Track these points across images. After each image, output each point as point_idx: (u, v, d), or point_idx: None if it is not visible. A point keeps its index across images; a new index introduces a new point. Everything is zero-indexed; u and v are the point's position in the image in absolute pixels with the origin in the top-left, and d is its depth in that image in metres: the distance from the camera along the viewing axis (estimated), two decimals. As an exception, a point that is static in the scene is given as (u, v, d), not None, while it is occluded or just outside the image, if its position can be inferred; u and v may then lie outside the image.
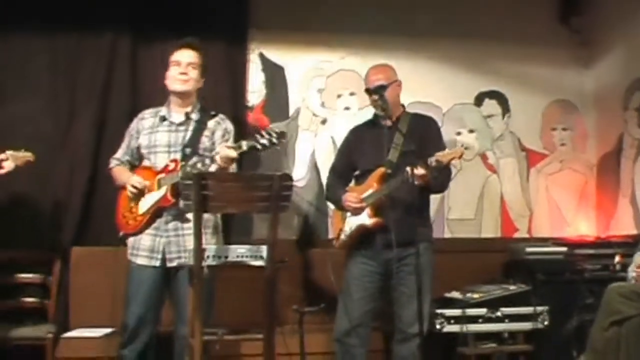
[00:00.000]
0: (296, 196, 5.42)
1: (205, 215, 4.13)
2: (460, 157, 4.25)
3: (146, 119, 4.40)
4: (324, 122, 5.70)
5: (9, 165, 4.36)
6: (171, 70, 4.32)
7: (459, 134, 6.01)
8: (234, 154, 3.99)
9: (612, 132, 6.05)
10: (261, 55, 5.86)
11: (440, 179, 4.38)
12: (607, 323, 4.23)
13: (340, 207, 4.54)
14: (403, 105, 4.58)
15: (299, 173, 5.76)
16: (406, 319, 4.30)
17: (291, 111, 5.89)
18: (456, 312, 4.97)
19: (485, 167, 6.11)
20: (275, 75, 5.89)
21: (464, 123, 6.06)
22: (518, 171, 6.18)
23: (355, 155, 4.60)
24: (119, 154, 4.47)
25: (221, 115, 4.47)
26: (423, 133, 4.40)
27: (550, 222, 6.17)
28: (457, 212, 6.03)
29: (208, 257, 4.14)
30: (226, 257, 4.23)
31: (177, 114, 4.34)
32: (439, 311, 4.96)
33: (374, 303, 4.44)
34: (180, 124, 4.32)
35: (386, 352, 4.86)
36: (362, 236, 4.42)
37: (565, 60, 6.23)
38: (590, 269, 5.37)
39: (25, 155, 4.49)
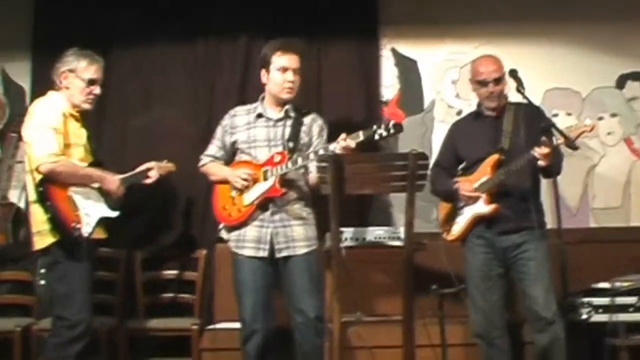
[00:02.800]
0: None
1: (309, 209, 4.30)
2: (590, 130, 4.15)
3: (239, 115, 4.49)
4: (459, 113, 5.61)
5: (154, 175, 4.58)
6: (276, 75, 4.34)
7: (600, 118, 5.77)
8: (352, 144, 4.00)
9: None
10: (393, 50, 5.87)
11: (558, 160, 4.28)
12: None
13: (450, 199, 4.49)
14: (506, 96, 4.49)
15: (434, 164, 5.72)
16: (539, 301, 4.21)
17: (426, 104, 5.86)
18: (604, 300, 4.74)
19: (631, 152, 5.84)
20: (408, 68, 5.87)
21: (605, 107, 5.81)
22: (666, 155, 5.89)
23: (462, 147, 4.56)
24: (212, 150, 4.55)
25: (315, 113, 4.53)
26: (532, 121, 4.29)
27: (702, 207, 5.83)
28: (602, 201, 5.79)
29: (346, 239, 4.22)
30: (364, 238, 4.29)
31: (273, 111, 4.41)
32: (585, 300, 4.76)
33: (502, 291, 4.39)
34: (278, 120, 4.39)
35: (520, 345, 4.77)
36: (477, 225, 4.36)
37: None
38: None
39: (168, 166, 4.76)
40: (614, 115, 5.84)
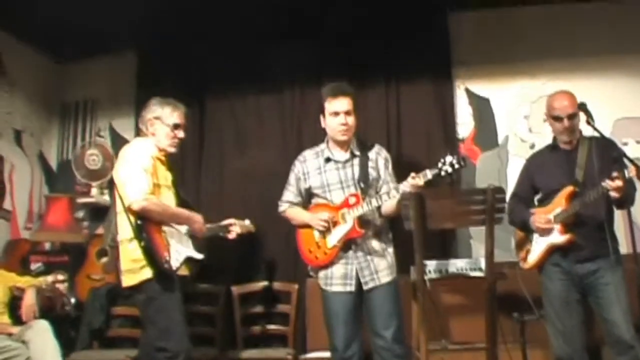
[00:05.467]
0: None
1: (387, 240, 4.35)
2: None
3: (309, 160, 4.55)
4: (532, 146, 5.60)
5: (236, 230, 4.61)
6: (330, 120, 4.41)
7: (669, 144, 5.72)
8: (421, 182, 4.07)
9: None
10: (467, 90, 5.94)
11: (631, 192, 4.23)
12: None
13: (527, 229, 4.45)
14: (579, 129, 4.44)
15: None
16: (618, 325, 4.12)
17: (500, 139, 5.88)
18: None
19: None
20: (481, 106, 5.93)
21: (676, 135, 5.75)
22: None
23: (538, 178, 4.51)
24: (289, 196, 4.61)
25: (378, 145, 4.56)
26: (605, 153, 4.25)
27: None
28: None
29: (430, 271, 4.25)
30: (446, 270, 4.30)
31: (339, 153, 4.47)
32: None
33: (580, 316, 4.30)
34: (346, 161, 4.44)
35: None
36: (553, 254, 4.33)
37: None
38: None
39: (249, 227, 4.77)
40: (681, 139, 5.75)
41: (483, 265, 4.08)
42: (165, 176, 4.30)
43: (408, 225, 3.86)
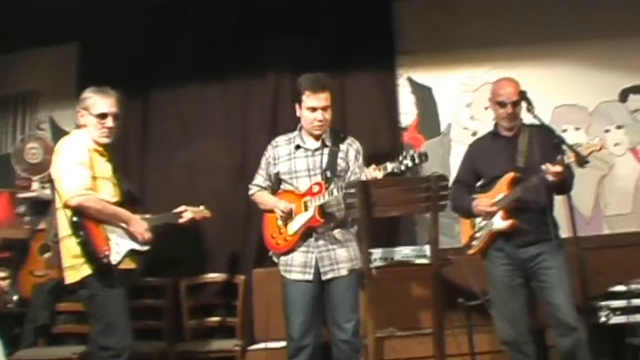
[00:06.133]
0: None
1: (349, 231, 4.32)
2: (599, 150, 4.16)
3: (280, 146, 4.52)
4: (474, 134, 5.61)
5: (188, 216, 4.46)
6: (306, 113, 4.37)
7: (607, 131, 5.79)
8: (380, 175, 4.05)
9: None
10: (409, 79, 5.94)
11: (570, 177, 4.28)
12: None
13: (470, 215, 4.48)
14: (520, 117, 4.48)
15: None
16: (561, 308, 4.18)
17: (443, 127, 5.91)
18: (621, 303, 4.73)
19: (637, 161, 5.82)
20: (424, 95, 5.94)
21: (611, 120, 5.81)
22: (672, 161, 5.87)
23: (480, 165, 4.55)
24: (259, 180, 4.58)
25: (351, 138, 4.53)
26: (545, 140, 4.29)
27: None
28: (614, 208, 5.77)
29: (375, 259, 4.24)
30: (392, 258, 4.31)
31: (311, 141, 4.44)
32: (603, 303, 4.75)
33: (524, 299, 4.35)
34: (316, 150, 4.42)
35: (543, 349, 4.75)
36: (496, 239, 4.36)
37: None
38: None
39: (204, 213, 4.64)
40: (619, 127, 5.84)
41: (428, 252, 4.08)
42: (105, 168, 4.16)
43: (353, 214, 3.85)
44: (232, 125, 5.87)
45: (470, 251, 4.49)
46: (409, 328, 4.93)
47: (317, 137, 4.44)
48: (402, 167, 4.01)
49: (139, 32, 5.92)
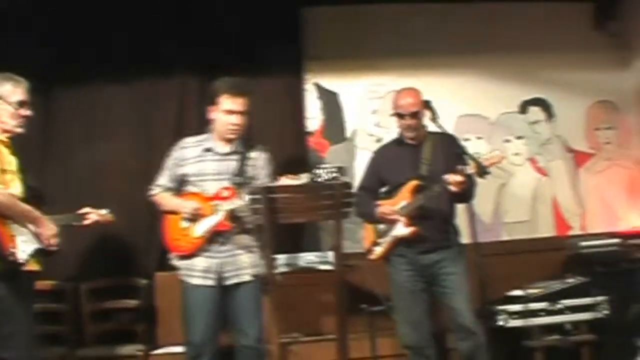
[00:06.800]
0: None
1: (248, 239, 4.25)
2: (499, 162, 4.29)
3: (188, 148, 4.42)
4: (379, 140, 5.65)
5: (92, 218, 4.27)
6: (222, 117, 4.31)
7: (507, 141, 5.97)
8: (294, 182, 4.00)
9: (655, 127, 5.94)
10: (316, 84, 5.93)
11: (471, 187, 4.36)
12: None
13: (373, 221, 4.51)
14: (424, 125, 4.53)
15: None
16: (461, 313, 4.28)
17: (348, 133, 5.93)
18: (518, 307, 4.88)
19: (535, 171, 6.03)
20: (330, 100, 5.95)
21: (511, 131, 6.01)
22: (567, 172, 6.07)
23: (385, 172, 4.58)
24: (163, 181, 4.46)
25: (261, 147, 4.49)
26: (448, 149, 4.39)
27: (602, 218, 6.02)
28: (513, 215, 5.95)
29: (279, 265, 4.23)
30: (296, 264, 4.30)
31: (222, 146, 4.37)
32: (501, 307, 4.88)
33: (425, 304, 4.43)
34: (227, 154, 4.36)
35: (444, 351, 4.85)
36: (399, 245, 4.41)
37: (603, 63, 6.11)
38: (645, 257, 5.22)
39: (106, 217, 4.43)
40: (519, 137, 6.04)
41: (332, 258, 4.09)
42: (10, 161, 3.90)
43: (257, 220, 3.82)
44: (137, 126, 5.72)
45: (372, 257, 4.51)
46: (313, 334, 4.93)
47: (228, 142, 4.36)
48: (318, 179, 3.95)
49: (40, 26, 5.69)
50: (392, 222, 4.39)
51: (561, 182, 6.06)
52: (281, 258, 4.55)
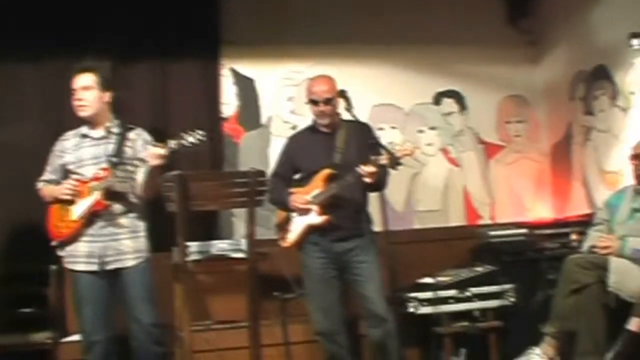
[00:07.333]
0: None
1: (139, 222, 4.19)
2: (411, 154, 4.35)
3: (68, 139, 4.37)
4: (294, 127, 5.64)
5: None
6: (72, 98, 4.30)
7: (420, 131, 6.06)
8: (162, 150, 3.96)
9: (562, 122, 6.10)
10: (232, 70, 5.88)
11: (384, 177, 4.40)
12: (568, 291, 4.31)
13: (286, 209, 4.51)
14: (338, 113, 4.54)
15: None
16: (372, 300, 4.33)
17: (263, 119, 5.91)
18: (428, 294, 4.95)
19: (448, 161, 6.15)
20: (246, 87, 5.91)
21: (425, 121, 6.10)
22: (478, 163, 6.22)
23: (298, 159, 4.58)
24: (46, 175, 4.39)
25: (139, 128, 4.42)
26: (362, 138, 4.42)
27: (511, 208, 6.20)
28: (425, 205, 6.06)
29: (192, 253, 4.18)
30: (208, 252, 4.26)
31: (96, 131, 4.30)
32: (412, 295, 4.95)
33: (338, 291, 4.46)
34: (102, 138, 4.29)
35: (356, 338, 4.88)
36: (311, 233, 4.42)
37: (515, 59, 6.28)
38: (550, 247, 5.38)
39: None
40: (432, 128, 6.14)
41: (244, 246, 4.06)
42: None
43: (170, 207, 3.77)
44: (48, 109, 5.56)
45: (286, 244, 4.51)
46: (226, 321, 4.90)
47: (100, 125, 4.28)
48: (185, 144, 3.95)
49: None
50: (304, 210, 4.39)
51: (472, 173, 6.20)
52: (193, 246, 4.49)
